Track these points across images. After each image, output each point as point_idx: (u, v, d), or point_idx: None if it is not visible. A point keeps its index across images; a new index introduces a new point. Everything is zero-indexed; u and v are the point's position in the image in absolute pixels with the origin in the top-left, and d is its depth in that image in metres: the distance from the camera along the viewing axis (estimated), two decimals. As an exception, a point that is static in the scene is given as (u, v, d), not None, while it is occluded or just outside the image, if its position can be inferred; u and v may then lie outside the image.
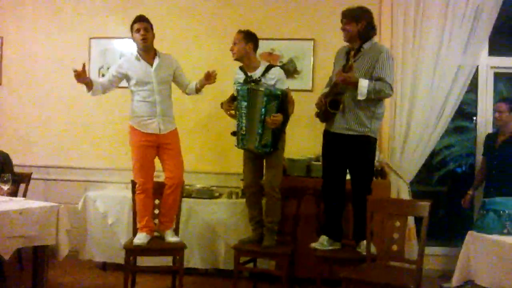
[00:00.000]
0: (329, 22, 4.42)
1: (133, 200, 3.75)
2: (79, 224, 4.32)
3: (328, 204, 3.56)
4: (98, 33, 4.88)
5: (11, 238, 3.02)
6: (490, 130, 4.51)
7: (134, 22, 3.68)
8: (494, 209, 2.92)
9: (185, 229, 4.14)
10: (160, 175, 3.86)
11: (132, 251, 3.60)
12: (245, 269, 3.95)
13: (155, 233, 3.75)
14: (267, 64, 3.80)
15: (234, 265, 3.67)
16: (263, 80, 3.66)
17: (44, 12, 4.98)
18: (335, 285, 3.22)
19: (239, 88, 3.64)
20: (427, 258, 3.52)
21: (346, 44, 3.53)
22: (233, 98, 3.77)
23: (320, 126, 3.65)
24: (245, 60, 3.72)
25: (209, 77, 3.72)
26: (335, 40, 3.83)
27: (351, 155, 3.44)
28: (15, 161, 4.21)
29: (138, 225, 3.69)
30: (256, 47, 3.75)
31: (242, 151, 3.78)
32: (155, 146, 3.72)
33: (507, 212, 2.88)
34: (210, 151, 4.72)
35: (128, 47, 4.34)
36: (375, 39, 3.53)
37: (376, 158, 3.85)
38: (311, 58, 4.61)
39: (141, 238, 3.60)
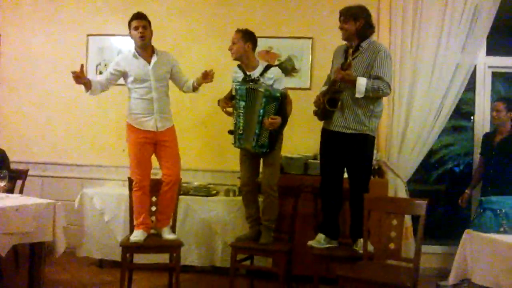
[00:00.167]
0: (328, 21, 4.43)
1: (130, 197, 3.73)
2: (75, 221, 4.32)
3: (326, 202, 3.56)
4: (96, 31, 4.87)
5: (7, 235, 3.00)
6: (487, 129, 4.52)
7: (132, 19, 3.67)
8: (491, 208, 2.94)
9: (182, 227, 4.15)
10: (157, 173, 3.85)
11: (128, 248, 3.59)
12: (242, 266, 3.95)
13: (152, 231, 3.74)
14: (266, 63, 3.78)
15: (231, 263, 3.66)
16: (261, 79, 3.65)
17: (42, 9, 4.96)
18: (332, 283, 3.22)
19: (237, 87, 3.63)
20: (424, 257, 3.52)
21: (344, 42, 3.53)
22: (231, 97, 3.76)
23: (318, 125, 3.65)
24: (244, 59, 3.71)
25: (207, 76, 3.71)
26: (333, 39, 3.83)
27: (349, 153, 3.44)
28: (11, 157, 4.21)
29: (135, 222, 3.68)
30: (255, 46, 3.74)
31: (239, 149, 3.77)
32: (152, 144, 3.71)
33: (504, 211, 2.90)
34: (208, 149, 4.72)
35: (126, 44, 4.34)
36: (373, 37, 3.53)
37: (374, 157, 3.85)
38: (309, 57, 4.61)
39: (137, 236, 3.60)
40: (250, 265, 3.96)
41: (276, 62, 4.56)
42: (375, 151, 3.94)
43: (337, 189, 3.52)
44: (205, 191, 4.35)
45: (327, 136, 3.53)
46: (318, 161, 3.75)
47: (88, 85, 3.57)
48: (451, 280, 3.05)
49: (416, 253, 3.05)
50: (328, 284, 3.53)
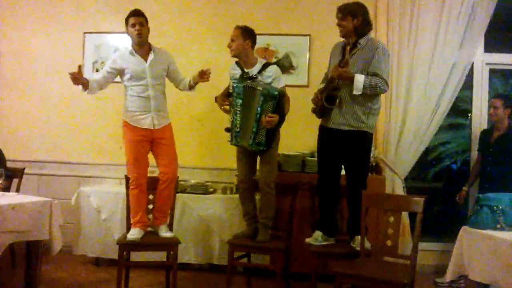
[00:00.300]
0: (325, 18, 4.42)
1: (127, 195, 3.73)
2: (72, 220, 4.31)
3: (323, 199, 3.56)
4: (92, 28, 4.85)
5: (4, 233, 3.00)
6: (485, 126, 4.52)
7: (129, 16, 3.64)
8: (488, 205, 2.93)
9: (179, 224, 4.14)
10: (154, 170, 3.84)
11: (125, 246, 3.58)
12: (239, 264, 3.95)
13: (149, 228, 3.73)
14: (264, 61, 3.77)
15: (228, 260, 3.66)
16: (259, 77, 3.64)
17: (39, 7, 4.95)
18: (330, 280, 3.21)
19: (235, 85, 3.61)
20: (421, 254, 3.53)
21: (342, 39, 3.52)
22: (228, 94, 3.75)
23: (315, 122, 3.65)
24: (243, 56, 3.68)
25: (203, 75, 3.69)
26: (331, 36, 3.82)
27: (347, 150, 3.43)
28: (8, 156, 4.19)
29: (132, 221, 3.67)
30: (254, 44, 3.72)
31: (236, 147, 3.76)
32: (149, 141, 3.70)
33: (500, 207, 2.89)
34: (205, 146, 4.71)
35: (123, 42, 4.32)
36: (371, 34, 3.53)
37: (371, 154, 3.85)
38: (307, 54, 4.60)
39: (134, 233, 3.59)
40: (247, 263, 3.96)
41: (274, 60, 4.55)
42: (372, 148, 3.94)
43: (335, 187, 3.52)
44: (202, 189, 4.34)
45: (325, 133, 3.53)
46: (316, 159, 3.74)
47: (85, 85, 3.55)
48: (448, 276, 3.06)
49: (413, 250, 3.05)
50: (325, 281, 3.53)
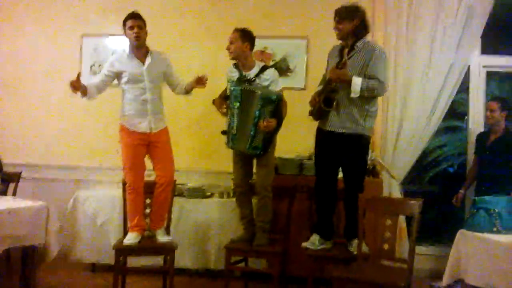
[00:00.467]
0: (323, 21, 4.41)
1: (124, 199, 3.71)
2: (68, 224, 4.28)
3: (320, 203, 3.55)
4: (90, 31, 4.84)
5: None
6: (481, 129, 4.51)
7: (127, 18, 3.63)
8: (484, 208, 2.92)
9: (176, 229, 4.12)
10: (151, 174, 3.83)
11: (122, 251, 3.56)
12: (236, 268, 3.93)
13: (146, 232, 3.72)
14: (262, 64, 3.77)
15: (225, 265, 3.65)
16: (257, 80, 3.63)
17: (36, 9, 4.94)
18: (327, 284, 3.20)
19: (232, 88, 3.61)
20: (418, 257, 3.51)
21: (339, 42, 3.52)
22: (225, 96, 3.74)
23: (313, 125, 3.64)
24: (242, 59, 3.68)
25: (200, 81, 3.68)
26: (329, 39, 3.82)
27: (345, 153, 3.43)
28: (4, 159, 4.17)
29: (129, 225, 3.65)
30: (252, 46, 3.71)
31: (233, 150, 3.75)
32: (146, 145, 3.69)
33: (497, 210, 2.89)
34: (202, 150, 4.70)
35: (120, 44, 4.31)
36: (368, 37, 3.52)
37: (368, 157, 3.85)
38: (304, 57, 4.60)
39: (131, 238, 3.57)
40: (244, 267, 3.94)
41: (271, 62, 4.55)
42: (369, 151, 3.94)
43: (332, 190, 3.51)
44: (200, 193, 4.33)
45: (322, 136, 3.52)
46: (313, 162, 3.73)
47: (84, 91, 3.54)
48: (445, 280, 3.06)
49: (410, 254, 3.05)
50: (322, 285, 3.51)
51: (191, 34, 4.74)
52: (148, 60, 3.67)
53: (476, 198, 3.12)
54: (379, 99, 3.69)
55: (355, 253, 3.28)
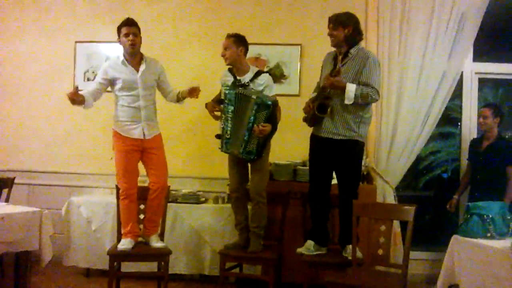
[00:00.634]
0: (316, 28, 4.45)
1: (118, 205, 3.70)
2: (62, 230, 4.27)
3: (314, 209, 3.55)
4: (84, 37, 4.84)
5: (-7, 244, 2.97)
6: (475, 135, 4.55)
7: (122, 25, 3.62)
8: (477, 213, 2.94)
9: (170, 235, 4.10)
10: (144, 180, 3.82)
11: (116, 256, 3.55)
12: (230, 274, 3.92)
13: (140, 239, 3.71)
14: (257, 69, 3.78)
15: (219, 271, 3.64)
16: (251, 85, 3.65)
17: (30, 16, 4.92)
18: (321, 290, 3.20)
19: (226, 91, 3.61)
20: (412, 263, 3.53)
21: (333, 49, 3.54)
22: (219, 100, 3.74)
23: (307, 131, 3.66)
24: (237, 64, 3.69)
25: (193, 92, 3.69)
26: (322, 46, 3.85)
27: (339, 159, 3.45)
28: (-2, 165, 4.15)
29: (123, 231, 3.64)
30: (246, 50, 3.74)
31: (228, 155, 3.76)
32: (139, 151, 3.69)
33: (490, 216, 2.90)
34: (196, 155, 4.69)
35: (114, 51, 4.31)
36: (362, 44, 3.55)
37: (362, 163, 3.86)
38: (298, 63, 4.62)
39: (125, 244, 3.56)
40: (239, 273, 3.94)
41: (265, 69, 4.56)
42: (363, 157, 3.96)
43: (326, 196, 3.52)
44: (194, 199, 4.32)
45: (316, 142, 3.54)
46: (307, 168, 3.75)
47: (82, 102, 3.53)
48: (439, 286, 3.06)
49: (405, 259, 3.06)
50: (317, 291, 3.52)
51: (185, 40, 4.75)
52: (142, 67, 3.67)
53: (470, 204, 3.13)
54: (373, 105, 3.72)
55: (350, 258, 3.28)
